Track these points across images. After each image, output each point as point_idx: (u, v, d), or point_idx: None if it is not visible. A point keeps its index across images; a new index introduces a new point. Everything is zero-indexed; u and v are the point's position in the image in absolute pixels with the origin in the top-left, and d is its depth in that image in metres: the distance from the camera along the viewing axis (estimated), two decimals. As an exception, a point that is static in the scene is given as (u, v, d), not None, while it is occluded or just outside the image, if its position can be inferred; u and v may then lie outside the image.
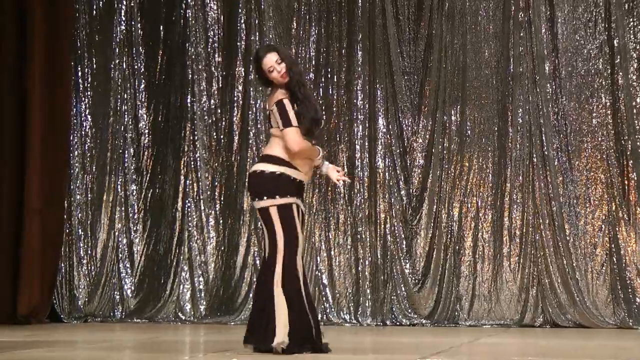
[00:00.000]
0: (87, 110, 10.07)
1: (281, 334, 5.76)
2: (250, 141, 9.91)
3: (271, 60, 5.96)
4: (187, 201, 9.95)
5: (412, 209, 9.72)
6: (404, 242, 9.65)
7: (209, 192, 9.91)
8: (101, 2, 10.09)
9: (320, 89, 9.91)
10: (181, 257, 9.87)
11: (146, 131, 10.06)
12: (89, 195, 9.99)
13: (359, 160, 9.78)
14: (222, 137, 9.99)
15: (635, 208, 9.33)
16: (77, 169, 10.01)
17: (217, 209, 9.92)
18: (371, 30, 9.77)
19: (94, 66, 10.07)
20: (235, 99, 9.99)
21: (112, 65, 10.03)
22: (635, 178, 9.37)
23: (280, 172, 5.90)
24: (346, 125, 9.85)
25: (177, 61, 10.02)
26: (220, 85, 10.02)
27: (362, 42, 9.82)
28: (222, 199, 9.94)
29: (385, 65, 9.74)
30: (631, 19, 9.44)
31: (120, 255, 9.96)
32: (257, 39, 9.94)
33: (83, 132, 10.06)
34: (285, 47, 9.81)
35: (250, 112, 9.95)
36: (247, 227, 9.83)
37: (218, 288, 9.87)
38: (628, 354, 6.59)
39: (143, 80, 10.07)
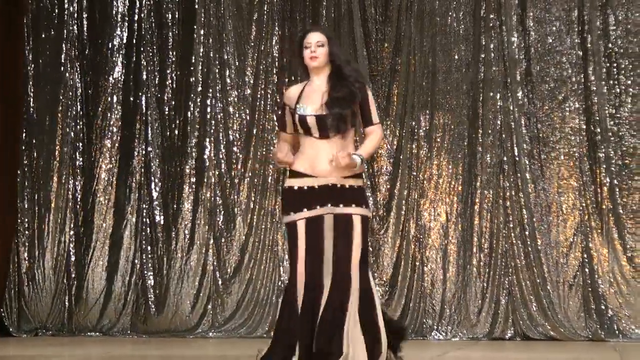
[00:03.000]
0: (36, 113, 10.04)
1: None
2: (207, 142, 9.88)
3: None
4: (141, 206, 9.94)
5: (379, 218, 9.69)
6: (371, 252, 9.47)
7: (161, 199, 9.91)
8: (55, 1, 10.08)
9: (283, 91, 9.68)
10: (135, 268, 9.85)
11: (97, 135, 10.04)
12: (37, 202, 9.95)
13: None
14: (175, 142, 9.94)
15: (608, 217, 9.35)
16: (26, 175, 9.99)
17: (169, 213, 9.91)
18: (337, 31, 9.68)
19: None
20: (192, 102, 9.93)
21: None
22: (608, 186, 9.39)
23: (361, 184, 5.61)
24: None
25: (134, 60, 9.99)
26: (175, 86, 9.96)
27: None
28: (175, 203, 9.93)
29: None
30: (604, 24, 9.49)
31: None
32: (216, 38, 9.92)
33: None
34: (245, 47, 9.92)
35: (208, 114, 9.92)
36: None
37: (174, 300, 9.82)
38: None
39: (100, 86, 10.02)
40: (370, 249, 5.60)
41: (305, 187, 5.47)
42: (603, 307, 9.22)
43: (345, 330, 5.33)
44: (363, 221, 5.47)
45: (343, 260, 5.43)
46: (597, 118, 9.40)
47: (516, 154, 9.47)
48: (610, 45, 9.42)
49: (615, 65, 9.41)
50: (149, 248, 9.82)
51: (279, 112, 5.77)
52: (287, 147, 5.58)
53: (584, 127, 9.42)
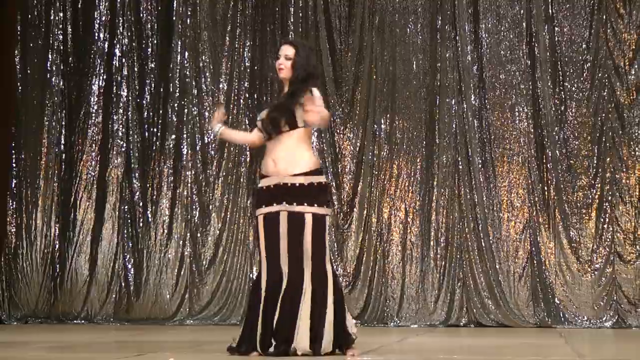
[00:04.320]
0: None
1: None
2: (184, 144, 10.00)
3: None
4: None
5: (343, 214, 9.80)
6: (335, 246, 9.71)
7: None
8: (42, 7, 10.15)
9: (255, 97, 9.99)
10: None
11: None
12: (25, 199, 10.03)
13: None
14: (154, 144, 10.03)
15: (554, 213, 9.54)
16: (15, 174, 10.08)
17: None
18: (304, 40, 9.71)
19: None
20: (169, 106, 10.02)
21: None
22: (555, 184, 9.56)
23: (319, 182, 5.70)
24: None
25: (115, 66, 10.08)
26: (154, 91, 10.03)
27: None
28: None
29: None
30: (550, 35, 9.68)
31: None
32: (192, 48, 10.02)
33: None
34: (219, 56, 9.95)
35: (185, 118, 10.01)
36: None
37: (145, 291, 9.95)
38: (547, 352, 6.70)
39: (84, 91, 10.12)
40: (329, 244, 5.58)
41: (264, 187, 5.68)
42: (550, 296, 9.45)
43: (296, 325, 5.50)
44: (315, 219, 5.55)
45: (295, 261, 5.54)
46: (544, 121, 9.60)
47: (470, 154, 9.63)
48: (555, 54, 9.64)
49: (560, 72, 9.65)
50: (129, 242, 9.89)
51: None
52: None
53: (532, 130, 9.61)
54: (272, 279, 5.61)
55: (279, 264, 5.59)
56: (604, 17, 9.67)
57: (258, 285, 5.66)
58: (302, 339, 5.53)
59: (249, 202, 9.85)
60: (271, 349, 5.57)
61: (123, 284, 9.89)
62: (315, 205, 5.59)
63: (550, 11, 9.71)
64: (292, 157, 5.62)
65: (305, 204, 5.59)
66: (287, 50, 5.73)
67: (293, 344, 5.53)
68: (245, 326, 5.70)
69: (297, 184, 5.62)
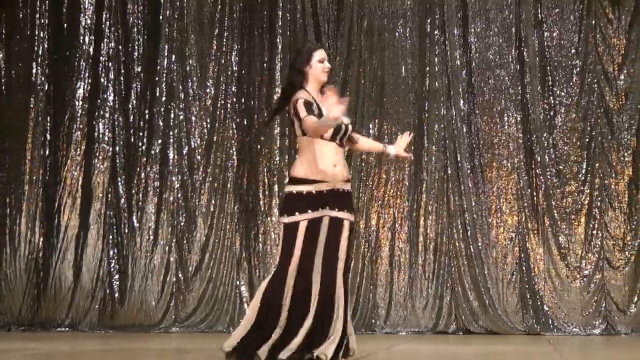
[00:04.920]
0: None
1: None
2: (171, 148, 9.97)
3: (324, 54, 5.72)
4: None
5: None
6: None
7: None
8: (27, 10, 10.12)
9: (242, 102, 9.96)
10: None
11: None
12: (9, 205, 9.99)
13: (279, 173, 9.81)
14: (140, 148, 9.98)
15: (543, 219, 9.54)
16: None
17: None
18: (292, 44, 9.84)
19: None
20: (156, 111, 9.98)
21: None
22: (544, 190, 9.56)
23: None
24: (267, 136, 9.88)
25: (101, 70, 10.05)
26: (140, 95, 9.99)
27: (282, 56, 9.88)
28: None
29: None
30: (539, 40, 9.68)
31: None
32: (179, 52, 9.99)
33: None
34: (207, 60, 9.92)
35: (171, 123, 9.98)
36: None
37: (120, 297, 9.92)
38: (536, 359, 6.73)
39: (68, 94, 10.06)
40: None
41: (314, 191, 5.54)
42: (539, 303, 9.44)
43: (329, 332, 5.44)
44: (351, 226, 5.55)
45: (330, 267, 5.47)
46: (533, 127, 9.60)
47: (458, 160, 9.61)
48: (545, 59, 9.64)
49: (549, 77, 9.64)
50: (115, 248, 9.82)
51: (312, 111, 5.52)
52: None
53: (521, 135, 9.61)
54: (301, 286, 5.52)
55: (311, 270, 5.51)
56: (593, 22, 9.69)
57: (280, 290, 5.52)
58: (329, 346, 5.47)
59: (235, 207, 9.83)
60: (287, 354, 5.45)
61: (108, 291, 9.82)
62: (352, 212, 5.62)
63: (539, 16, 9.73)
64: (345, 163, 5.65)
65: (345, 210, 5.59)
66: (326, 55, 5.74)
67: (317, 350, 5.45)
68: (252, 329, 5.56)
69: (346, 190, 5.63)
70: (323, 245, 5.50)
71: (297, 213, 5.52)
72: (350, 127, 5.69)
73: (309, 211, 5.51)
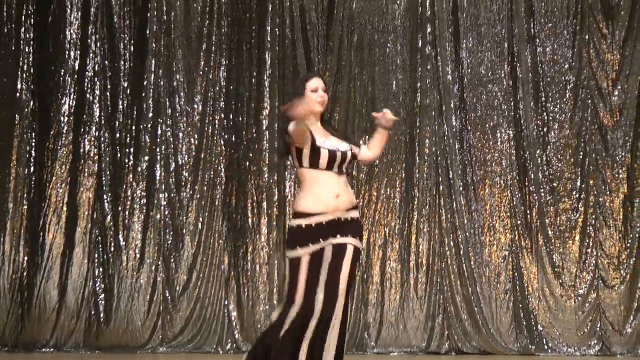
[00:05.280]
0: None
1: None
2: (157, 165, 9.90)
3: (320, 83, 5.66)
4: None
5: None
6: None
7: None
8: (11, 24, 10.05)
9: (230, 117, 9.90)
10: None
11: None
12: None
13: (268, 190, 9.76)
14: (127, 165, 9.92)
15: (537, 237, 9.49)
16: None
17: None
18: (281, 60, 9.81)
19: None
20: (143, 127, 9.93)
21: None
22: (537, 207, 9.50)
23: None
24: (256, 153, 9.82)
25: (86, 86, 9.98)
26: (127, 112, 9.93)
27: (271, 72, 9.85)
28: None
29: (295, 96, 9.53)
30: (532, 55, 9.65)
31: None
32: (167, 67, 9.94)
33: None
34: (194, 76, 9.88)
35: (158, 139, 9.91)
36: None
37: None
38: None
39: (53, 110, 9.97)
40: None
41: (313, 224, 5.45)
42: (533, 322, 9.37)
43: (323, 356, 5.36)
44: (355, 251, 5.41)
45: (332, 290, 5.35)
46: (526, 143, 9.55)
47: (450, 177, 9.55)
48: (538, 75, 9.60)
49: (542, 93, 9.60)
50: (100, 267, 9.73)
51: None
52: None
53: (514, 151, 9.56)
54: (303, 313, 5.41)
55: (314, 297, 5.39)
56: (587, 37, 9.67)
57: (280, 324, 5.45)
58: None
59: (224, 225, 9.77)
60: None
61: (93, 311, 9.71)
62: (358, 238, 5.49)
63: (532, 31, 9.70)
64: (349, 193, 5.55)
65: (349, 236, 5.45)
66: (322, 83, 5.65)
67: None
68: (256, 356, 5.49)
69: (351, 218, 5.50)
70: (326, 272, 5.41)
71: (298, 247, 5.47)
72: (349, 153, 5.55)
73: (310, 244, 5.45)
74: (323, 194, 5.45)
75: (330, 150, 5.43)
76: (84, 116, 9.94)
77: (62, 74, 9.97)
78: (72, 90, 9.95)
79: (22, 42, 10.01)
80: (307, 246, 5.43)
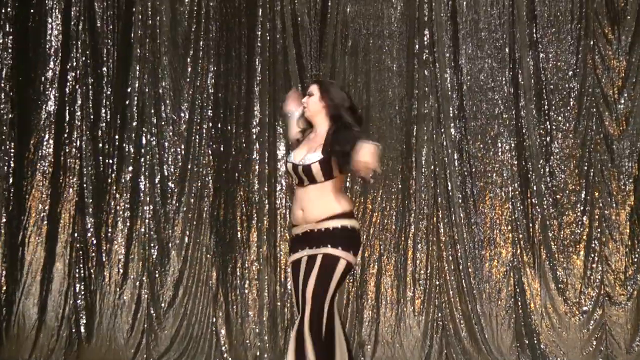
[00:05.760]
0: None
1: None
2: (142, 176, 9.81)
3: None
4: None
5: None
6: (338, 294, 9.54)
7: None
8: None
9: (219, 126, 9.82)
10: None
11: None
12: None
13: (259, 202, 9.67)
14: (109, 176, 9.84)
15: (540, 251, 9.39)
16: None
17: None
18: (271, 66, 9.72)
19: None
20: (126, 136, 9.85)
21: None
22: (540, 220, 9.43)
23: None
24: (245, 164, 9.75)
25: (67, 93, 9.89)
26: (109, 120, 9.85)
27: (261, 78, 9.78)
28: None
29: None
30: (535, 61, 9.58)
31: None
32: (152, 73, 9.87)
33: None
34: (181, 82, 9.84)
35: (143, 149, 9.82)
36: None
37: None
38: None
39: (33, 119, 9.84)
40: (335, 292, 5.69)
41: (294, 235, 5.85)
42: (535, 341, 9.25)
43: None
44: (325, 258, 5.60)
45: (302, 300, 5.64)
46: (528, 153, 9.44)
47: (449, 188, 9.46)
48: (540, 82, 9.50)
49: (545, 101, 9.49)
50: (82, 282, 9.65)
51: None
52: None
53: (516, 162, 9.46)
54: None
55: (298, 307, 5.77)
56: (592, 42, 9.54)
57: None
58: None
59: (212, 239, 9.68)
60: None
61: (74, 329, 9.57)
62: (329, 246, 5.64)
63: (534, 36, 9.57)
64: (319, 205, 5.70)
65: (321, 246, 5.67)
66: (310, 89, 5.95)
67: None
68: None
69: (324, 229, 5.68)
70: (299, 285, 5.74)
71: (289, 254, 5.94)
72: (314, 166, 5.69)
73: (291, 254, 5.86)
74: (293, 208, 5.85)
75: (291, 164, 5.77)
76: (65, 125, 9.83)
77: (42, 81, 9.85)
78: (52, 98, 9.85)
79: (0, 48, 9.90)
80: (291, 255, 5.86)
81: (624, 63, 9.50)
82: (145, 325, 9.56)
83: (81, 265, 9.66)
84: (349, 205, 5.79)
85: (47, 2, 9.84)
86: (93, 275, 9.65)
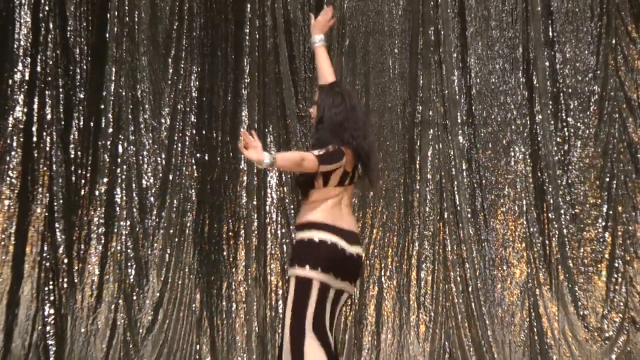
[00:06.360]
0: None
1: None
2: (118, 188, 9.51)
3: None
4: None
5: None
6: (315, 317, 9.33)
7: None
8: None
9: (203, 133, 9.64)
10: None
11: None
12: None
13: (246, 215, 9.52)
14: (82, 188, 9.53)
15: (557, 271, 9.25)
16: None
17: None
18: (261, 67, 9.54)
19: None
20: (101, 144, 9.59)
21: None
22: (557, 237, 9.30)
23: None
24: (232, 175, 9.58)
25: (37, 98, 9.60)
26: (82, 126, 9.61)
27: (250, 80, 9.63)
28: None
29: (278, 108, 9.55)
30: (551, 62, 9.48)
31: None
32: (129, 75, 9.65)
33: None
34: (162, 85, 9.69)
35: (119, 158, 9.56)
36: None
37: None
38: None
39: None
40: (315, 317, 5.44)
41: None
42: None
43: None
44: (297, 283, 5.46)
45: (282, 327, 5.61)
46: (544, 163, 9.36)
47: (457, 202, 9.35)
48: (557, 84, 9.42)
49: (563, 106, 9.40)
50: (51, 306, 9.39)
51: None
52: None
53: (530, 173, 9.36)
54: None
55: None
56: (614, 41, 9.38)
57: None
58: None
59: (195, 258, 9.48)
60: None
61: (42, 358, 9.26)
62: (296, 265, 5.48)
63: (550, 34, 9.42)
64: (299, 214, 5.70)
65: (289, 265, 5.57)
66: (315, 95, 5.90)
67: None
68: None
69: (296, 240, 5.63)
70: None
71: None
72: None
73: None
74: None
75: None
76: (34, 132, 9.56)
77: (9, 84, 9.60)
78: (20, 103, 9.61)
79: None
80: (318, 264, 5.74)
81: (649, 64, 9.60)
82: (122, 354, 9.31)
83: (51, 287, 9.39)
84: (327, 217, 5.48)
85: (15, -4, 9.84)
86: (64, 298, 9.38)
